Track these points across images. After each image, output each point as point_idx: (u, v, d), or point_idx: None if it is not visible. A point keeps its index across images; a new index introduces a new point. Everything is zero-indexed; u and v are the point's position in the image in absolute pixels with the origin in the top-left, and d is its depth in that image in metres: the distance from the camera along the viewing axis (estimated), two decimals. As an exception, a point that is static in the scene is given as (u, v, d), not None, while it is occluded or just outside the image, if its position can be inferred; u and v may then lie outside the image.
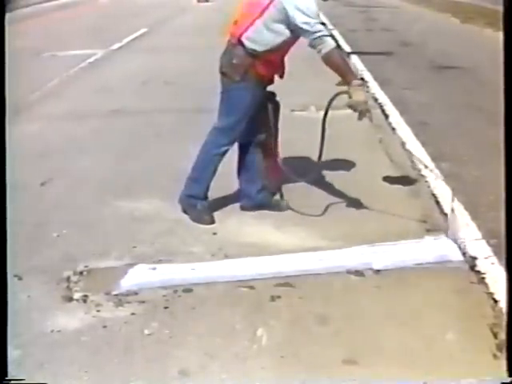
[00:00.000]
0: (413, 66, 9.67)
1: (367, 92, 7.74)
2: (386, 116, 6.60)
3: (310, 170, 4.29)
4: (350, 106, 3.74)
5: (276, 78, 4.06)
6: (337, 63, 3.74)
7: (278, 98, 4.14)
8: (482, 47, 10.64)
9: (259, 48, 3.80)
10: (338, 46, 3.72)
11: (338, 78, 3.87)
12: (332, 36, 3.76)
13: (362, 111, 3.73)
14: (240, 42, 3.83)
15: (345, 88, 3.78)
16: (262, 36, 3.79)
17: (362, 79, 3.70)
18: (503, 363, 2.47)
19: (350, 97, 3.70)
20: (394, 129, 6.14)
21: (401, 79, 8.54)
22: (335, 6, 19.55)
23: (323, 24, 3.73)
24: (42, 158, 5.32)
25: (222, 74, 3.97)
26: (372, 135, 5.92)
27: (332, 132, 6.00)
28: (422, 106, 7.03)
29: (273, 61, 3.90)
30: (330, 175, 4.76)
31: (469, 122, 6.37)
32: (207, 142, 4.04)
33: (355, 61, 9.93)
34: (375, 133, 6.00)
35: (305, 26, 3.66)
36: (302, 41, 3.83)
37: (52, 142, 5.86)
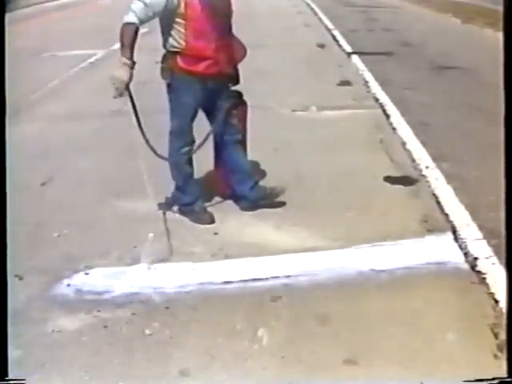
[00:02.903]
0: (413, 66, 9.66)
1: (368, 92, 7.77)
2: (387, 116, 6.60)
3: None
4: (109, 79, 3.73)
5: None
6: (120, 36, 3.71)
7: (244, 98, 4.14)
8: (482, 47, 10.63)
9: (174, 43, 3.83)
10: (135, 24, 3.67)
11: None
12: (135, 14, 3.68)
13: (116, 89, 3.71)
14: (163, 45, 3.91)
15: None
16: (167, 31, 3.84)
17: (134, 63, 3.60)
18: (503, 363, 2.47)
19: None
20: (394, 129, 6.13)
21: (401, 79, 8.54)
22: (336, 6, 19.59)
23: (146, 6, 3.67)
24: (42, 158, 5.32)
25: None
26: (373, 135, 5.93)
27: (333, 132, 6.05)
28: (422, 106, 7.03)
29: (194, 55, 3.84)
30: (330, 176, 4.77)
31: (469, 122, 6.36)
32: (168, 149, 4.09)
33: (356, 61, 9.93)
34: (376, 133, 6.00)
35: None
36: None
37: (52, 142, 5.86)
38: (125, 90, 3.70)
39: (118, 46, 3.83)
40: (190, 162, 4.07)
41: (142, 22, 3.71)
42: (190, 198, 4.10)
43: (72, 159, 5.36)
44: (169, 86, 3.95)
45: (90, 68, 9.75)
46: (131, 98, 3.85)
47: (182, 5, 3.73)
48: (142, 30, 3.78)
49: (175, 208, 4.17)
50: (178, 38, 3.81)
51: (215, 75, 3.92)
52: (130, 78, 3.69)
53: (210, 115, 4.09)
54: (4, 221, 2.45)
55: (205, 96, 3.95)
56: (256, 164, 4.60)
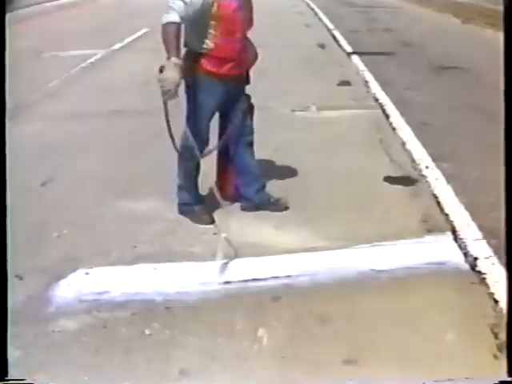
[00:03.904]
0: (413, 66, 9.67)
1: (368, 92, 7.77)
2: (387, 116, 6.60)
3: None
4: (158, 81, 3.55)
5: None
6: (165, 36, 3.58)
7: (252, 101, 4.13)
8: (482, 48, 10.63)
9: (201, 44, 3.76)
10: (178, 23, 3.55)
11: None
12: (178, 13, 3.57)
13: (167, 91, 3.53)
14: (185, 43, 3.83)
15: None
16: (193, 31, 3.77)
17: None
18: (503, 363, 2.47)
19: (162, 72, 3.54)
20: (394, 129, 6.14)
21: (402, 79, 8.54)
22: (336, 6, 19.60)
23: (185, 4, 3.57)
24: (42, 158, 5.32)
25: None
26: (373, 135, 5.93)
27: (333, 132, 6.05)
28: (422, 107, 7.03)
29: (220, 57, 3.79)
30: (330, 176, 4.77)
31: (469, 123, 6.37)
32: (180, 147, 3.99)
33: (356, 61, 9.93)
34: (376, 133, 6.00)
35: (169, 1, 3.61)
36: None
37: (52, 142, 5.86)
38: (174, 89, 3.53)
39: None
40: (198, 163, 4.04)
41: (183, 21, 3.60)
42: (192, 197, 4.09)
43: (72, 159, 5.36)
44: (188, 86, 3.86)
45: (90, 68, 9.74)
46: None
47: (216, 5, 3.66)
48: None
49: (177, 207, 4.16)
50: (206, 38, 3.74)
51: (236, 77, 3.91)
52: (180, 78, 3.54)
53: (226, 117, 4.06)
54: (4, 221, 2.45)
55: (225, 98, 3.92)
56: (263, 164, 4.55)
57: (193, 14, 3.61)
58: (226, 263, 3.47)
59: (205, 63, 3.80)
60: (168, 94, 3.53)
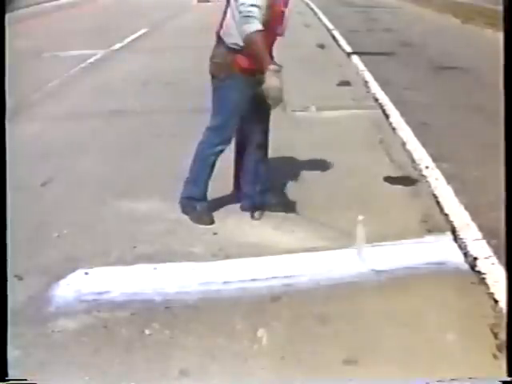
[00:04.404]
0: (413, 66, 9.67)
1: (368, 92, 7.77)
2: (387, 116, 6.61)
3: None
4: (263, 92, 3.57)
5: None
6: (255, 47, 3.58)
7: None
8: (482, 48, 10.64)
9: (239, 41, 3.71)
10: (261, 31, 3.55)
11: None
12: (259, 21, 3.56)
13: (274, 98, 3.58)
14: (221, 40, 3.80)
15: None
16: (234, 27, 3.73)
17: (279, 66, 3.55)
18: (503, 363, 2.47)
19: (264, 82, 3.55)
20: (394, 129, 6.14)
21: (401, 79, 8.55)
22: (336, 6, 19.61)
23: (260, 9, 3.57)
24: (42, 159, 5.32)
25: (212, 76, 3.93)
26: (372, 135, 5.93)
27: (332, 132, 6.05)
28: (422, 107, 7.03)
29: None
30: (329, 175, 4.77)
31: (469, 123, 6.37)
32: (201, 143, 4.01)
33: (356, 61, 9.94)
34: (376, 133, 6.00)
35: (240, 7, 3.60)
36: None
37: (52, 143, 5.86)
38: (280, 96, 3.58)
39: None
40: (215, 162, 4.03)
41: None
42: (198, 192, 4.07)
43: (72, 159, 5.37)
44: (221, 82, 3.83)
45: (90, 68, 9.75)
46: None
47: (271, 5, 3.65)
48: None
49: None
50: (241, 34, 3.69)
51: (261, 75, 3.87)
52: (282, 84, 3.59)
53: (250, 115, 3.99)
54: (4, 221, 2.45)
55: (252, 96, 3.88)
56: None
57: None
58: (226, 263, 3.48)
59: (240, 60, 3.77)
60: (275, 101, 3.60)
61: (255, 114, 3.97)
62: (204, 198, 4.09)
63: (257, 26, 3.56)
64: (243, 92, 3.84)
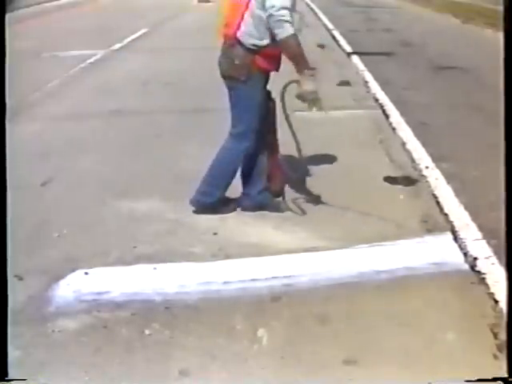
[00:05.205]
0: (413, 66, 9.68)
1: (368, 92, 7.77)
2: (387, 116, 6.61)
3: (298, 167, 4.30)
4: (299, 96, 3.73)
5: (273, 78, 4.03)
6: (292, 50, 3.69)
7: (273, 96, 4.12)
8: (482, 48, 10.64)
9: (258, 42, 3.77)
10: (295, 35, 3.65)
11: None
12: (291, 24, 3.65)
13: (311, 100, 3.76)
14: (237, 41, 3.81)
15: (297, 77, 3.78)
16: (254, 28, 3.76)
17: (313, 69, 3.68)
18: (503, 363, 2.47)
19: (300, 86, 3.70)
20: (394, 129, 6.14)
21: (401, 79, 8.55)
22: (335, 6, 19.60)
23: (290, 11, 3.65)
24: (42, 158, 5.32)
25: (227, 77, 3.94)
26: (372, 135, 5.93)
27: (333, 132, 6.05)
28: (422, 107, 7.03)
29: (273, 54, 3.85)
30: (329, 175, 4.77)
31: (469, 123, 6.37)
32: (230, 149, 4.01)
33: (356, 61, 9.94)
34: (376, 133, 6.00)
35: (270, 10, 3.64)
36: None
37: (52, 142, 5.86)
38: (317, 97, 3.75)
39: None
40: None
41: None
42: (219, 194, 4.10)
43: (72, 159, 5.37)
44: (241, 83, 3.86)
45: (91, 68, 9.75)
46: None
47: (293, 2, 3.72)
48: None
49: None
50: (266, 35, 3.76)
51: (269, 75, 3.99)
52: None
53: (263, 115, 4.03)
54: (4, 221, 2.45)
55: (265, 94, 3.98)
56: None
57: None
58: (226, 263, 3.48)
59: (259, 60, 3.82)
60: (313, 102, 3.77)
61: (265, 113, 4.00)
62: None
63: (291, 29, 3.64)
64: (262, 91, 3.93)
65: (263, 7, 3.71)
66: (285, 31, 3.63)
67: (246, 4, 3.78)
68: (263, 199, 4.19)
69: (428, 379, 2.49)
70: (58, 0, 21.24)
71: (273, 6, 3.62)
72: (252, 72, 3.83)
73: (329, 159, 5.08)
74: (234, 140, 4.01)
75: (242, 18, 3.79)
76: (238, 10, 3.82)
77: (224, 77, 3.97)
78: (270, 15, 3.64)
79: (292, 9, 3.70)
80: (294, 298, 3.16)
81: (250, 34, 3.78)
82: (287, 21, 3.62)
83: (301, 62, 3.69)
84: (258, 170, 4.16)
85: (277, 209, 4.18)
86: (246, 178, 4.18)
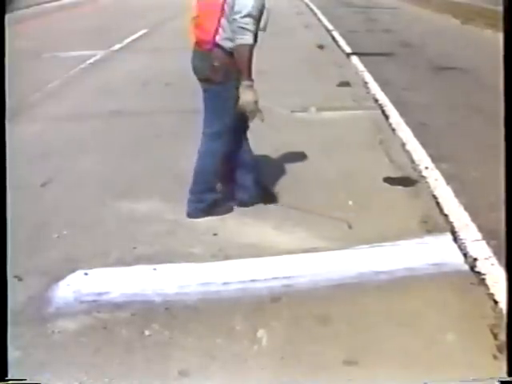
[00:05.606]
0: (413, 66, 9.67)
1: (367, 93, 7.77)
2: (387, 117, 6.61)
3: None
4: (240, 107, 3.77)
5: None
6: (242, 60, 3.72)
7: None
8: (482, 48, 10.64)
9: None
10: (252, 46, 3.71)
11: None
12: (256, 35, 3.74)
13: (251, 111, 3.78)
14: (217, 45, 3.83)
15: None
16: (232, 32, 3.77)
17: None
18: (503, 364, 2.47)
19: (239, 97, 3.75)
20: (394, 130, 6.14)
21: (401, 80, 8.55)
22: (335, 6, 19.60)
23: (255, 19, 3.70)
24: (42, 159, 5.33)
25: (203, 80, 3.96)
26: (372, 136, 5.93)
27: (332, 133, 6.05)
28: (422, 107, 7.03)
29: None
30: (330, 176, 4.77)
31: (469, 123, 6.37)
32: (207, 151, 4.03)
33: (355, 62, 9.94)
34: (375, 134, 6.00)
35: (235, 15, 3.69)
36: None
37: (52, 143, 5.86)
38: (257, 108, 3.78)
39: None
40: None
41: None
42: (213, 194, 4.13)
43: (72, 159, 5.37)
44: (220, 85, 3.88)
45: (91, 69, 9.75)
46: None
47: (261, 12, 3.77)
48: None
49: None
50: None
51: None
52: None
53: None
54: (4, 221, 2.46)
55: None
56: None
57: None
58: (225, 264, 3.48)
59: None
60: (253, 114, 3.79)
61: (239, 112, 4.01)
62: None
63: (250, 39, 3.70)
64: (237, 91, 3.87)
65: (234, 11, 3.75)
66: (244, 40, 3.69)
67: (220, 10, 3.79)
68: (259, 190, 4.23)
69: (428, 379, 2.50)
70: (58, 0, 21.24)
71: (239, 12, 3.68)
72: (230, 74, 3.84)
73: (327, 160, 5.08)
74: (209, 140, 4.03)
75: (219, 23, 3.81)
76: (213, 15, 3.82)
77: (200, 79, 4.00)
78: (235, 20, 3.70)
79: (259, 14, 3.72)
80: (294, 299, 3.16)
81: (229, 38, 3.81)
82: (249, 30, 3.69)
83: (245, 73, 3.74)
84: (249, 163, 4.17)
85: (270, 199, 4.23)
86: (239, 172, 4.19)
